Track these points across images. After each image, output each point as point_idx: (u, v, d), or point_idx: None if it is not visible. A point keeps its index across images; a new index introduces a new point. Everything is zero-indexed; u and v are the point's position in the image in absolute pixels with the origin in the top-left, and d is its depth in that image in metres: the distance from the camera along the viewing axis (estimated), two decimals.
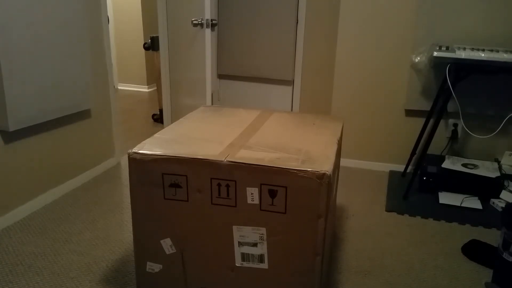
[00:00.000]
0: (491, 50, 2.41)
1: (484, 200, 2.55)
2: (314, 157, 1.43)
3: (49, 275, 1.82)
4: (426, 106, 2.85)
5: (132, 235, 2.03)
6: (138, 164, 1.46)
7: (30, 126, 2.29)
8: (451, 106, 2.76)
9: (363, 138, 3.11)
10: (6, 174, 2.19)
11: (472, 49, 2.46)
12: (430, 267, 1.94)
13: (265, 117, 1.94)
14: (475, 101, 2.75)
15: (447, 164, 2.68)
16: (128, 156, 1.47)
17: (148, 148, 1.49)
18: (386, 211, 2.47)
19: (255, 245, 1.44)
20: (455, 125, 2.86)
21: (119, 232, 2.18)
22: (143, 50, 5.57)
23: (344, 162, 3.19)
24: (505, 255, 1.70)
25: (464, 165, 2.66)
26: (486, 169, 2.60)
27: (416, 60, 2.78)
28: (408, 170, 3.02)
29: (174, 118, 3.34)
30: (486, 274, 1.89)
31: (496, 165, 2.68)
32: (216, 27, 3.14)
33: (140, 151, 1.46)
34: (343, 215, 2.41)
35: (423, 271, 1.91)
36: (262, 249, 1.44)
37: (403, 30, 2.81)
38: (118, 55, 5.77)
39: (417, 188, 2.73)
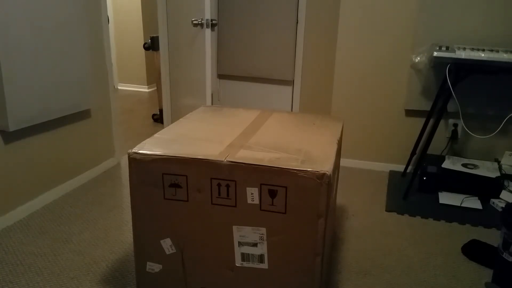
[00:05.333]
0: (491, 50, 2.41)
1: (484, 200, 2.54)
2: (314, 157, 1.43)
3: (49, 275, 1.82)
4: (426, 106, 2.85)
5: (132, 235, 2.03)
6: (138, 164, 1.46)
7: (30, 126, 2.29)
8: (451, 106, 2.76)
9: (363, 138, 3.11)
10: (6, 174, 2.19)
11: (472, 49, 2.46)
12: (430, 267, 1.94)
13: (265, 117, 1.94)
14: (475, 101, 2.75)
15: (447, 164, 2.68)
16: (128, 156, 1.47)
17: (148, 148, 1.49)
18: (386, 211, 2.47)
19: (255, 245, 1.44)
20: (455, 125, 2.86)
21: (119, 232, 2.18)
22: (143, 50, 5.57)
23: (344, 162, 3.19)
24: (505, 255, 1.70)
25: (464, 165, 2.66)
26: (486, 169, 2.60)
27: (416, 60, 2.78)
28: (408, 170, 3.02)
29: (174, 118, 3.34)
30: (486, 274, 1.89)
31: (496, 165, 2.68)
32: (216, 27, 3.14)
33: (140, 151, 1.46)
34: (343, 215, 2.41)
35: (423, 271, 1.91)
36: (262, 249, 1.44)
37: (403, 30, 2.81)
38: (118, 55, 5.77)
39: (417, 188, 2.73)
